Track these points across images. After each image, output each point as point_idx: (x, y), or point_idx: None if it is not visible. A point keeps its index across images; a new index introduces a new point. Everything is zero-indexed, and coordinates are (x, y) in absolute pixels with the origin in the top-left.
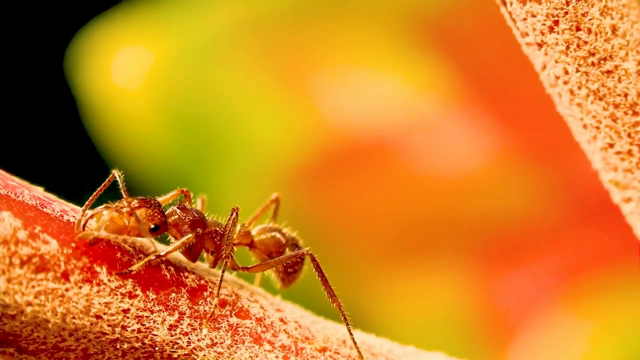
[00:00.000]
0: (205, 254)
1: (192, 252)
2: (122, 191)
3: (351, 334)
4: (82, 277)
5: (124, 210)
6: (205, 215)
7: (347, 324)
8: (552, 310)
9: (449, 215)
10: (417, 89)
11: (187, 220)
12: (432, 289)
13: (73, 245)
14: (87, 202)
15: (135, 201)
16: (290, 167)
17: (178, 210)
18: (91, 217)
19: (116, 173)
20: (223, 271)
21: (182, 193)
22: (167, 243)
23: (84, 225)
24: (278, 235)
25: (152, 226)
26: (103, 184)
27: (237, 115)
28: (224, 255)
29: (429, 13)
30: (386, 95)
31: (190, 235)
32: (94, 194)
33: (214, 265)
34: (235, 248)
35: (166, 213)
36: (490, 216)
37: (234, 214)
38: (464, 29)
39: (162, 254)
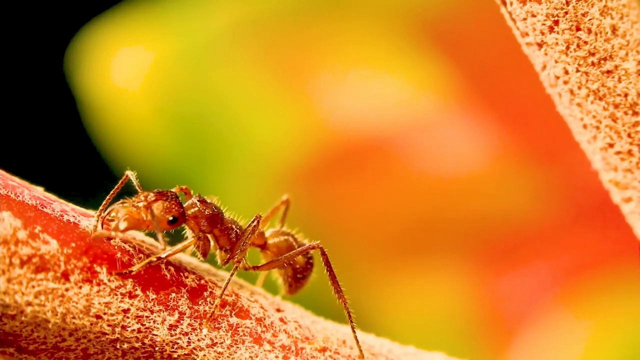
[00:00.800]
0: (217, 251)
1: (204, 246)
2: (137, 187)
3: (354, 331)
4: (82, 277)
5: (141, 204)
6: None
7: (351, 322)
8: (552, 310)
9: (448, 215)
10: (417, 89)
11: (206, 213)
12: (432, 288)
13: (73, 245)
14: (101, 207)
15: (152, 194)
16: (290, 167)
17: (198, 203)
18: (108, 214)
19: (129, 174)
20: (232, 274)
21: (181, 191)
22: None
23: (102, 224)
24: (291, 239)
25: (170, 218)
26: (117, 185)
27: (237, 115)
28: (237, 258)
29: (429, 13)
30: (386, 96)
31: (192, 239)
32: (108, 197)
33: (225, 263)
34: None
35: (185, 205)
36: (490, 216)
37: (256, 221)
38: (464, 29)
39: (163, 255)
